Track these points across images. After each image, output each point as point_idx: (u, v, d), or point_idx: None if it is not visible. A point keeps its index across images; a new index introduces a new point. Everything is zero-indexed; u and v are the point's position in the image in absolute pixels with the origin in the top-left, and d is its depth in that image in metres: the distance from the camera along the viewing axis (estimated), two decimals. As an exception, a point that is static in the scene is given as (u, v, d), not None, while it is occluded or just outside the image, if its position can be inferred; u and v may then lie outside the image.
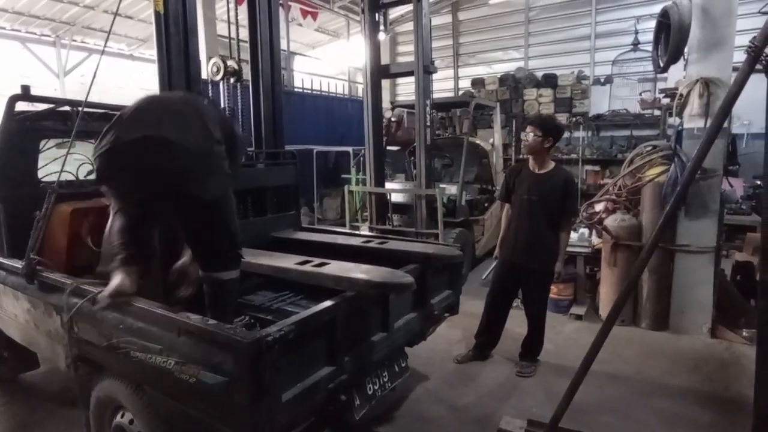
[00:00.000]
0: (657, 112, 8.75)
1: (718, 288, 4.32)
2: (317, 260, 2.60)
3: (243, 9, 3.85)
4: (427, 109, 5.08)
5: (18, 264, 2.60)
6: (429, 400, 3.31)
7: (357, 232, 5.35)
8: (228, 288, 2.15)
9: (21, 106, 2.97)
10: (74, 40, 11.26)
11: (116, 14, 3.48)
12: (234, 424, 1.75)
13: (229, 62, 3.86)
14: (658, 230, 2.30)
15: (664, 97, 6.11)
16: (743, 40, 2.48)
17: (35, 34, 10.93)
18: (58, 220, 2.84)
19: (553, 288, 4.39)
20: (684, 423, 3.03)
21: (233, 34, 3.99)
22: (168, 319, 1.94)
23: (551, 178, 3.51)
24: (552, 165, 3.57)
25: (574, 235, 4.91)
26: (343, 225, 6.56)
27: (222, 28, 7.37)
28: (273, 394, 1.75)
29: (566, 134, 9.55)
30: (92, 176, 3.17)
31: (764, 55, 1.89)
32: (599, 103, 10.37)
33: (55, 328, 2.42)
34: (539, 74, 10.99)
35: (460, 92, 12.23)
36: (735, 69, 2.54)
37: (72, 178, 3.09)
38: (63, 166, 2.65)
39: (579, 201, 5.66)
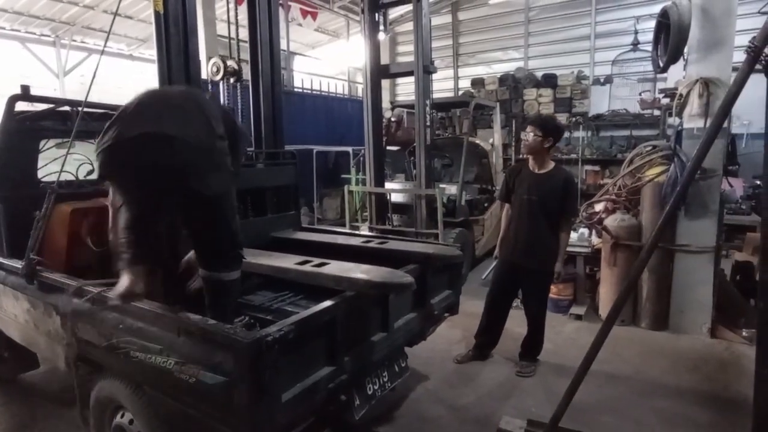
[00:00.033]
0: (657, 112, 8.76)
1: (718, 288, 4.33)
2: (317, 260, 2.60)
3: (243, 9, 3.85)
4: (427, 109, 5.09)
5: (18, 264, 2.61)
6: (429, 400, 3.31)
7: (357, 232, 5.35)
8: (229, 288, 2.15)
9: (21, 106, 2.96)
10: (74, 40, 11.26)
11: (116, 14, 3.48)
12: (234, 424, 1.76)
13: (229, 62, 3.87)
14: (658, 230, 2.30)
15: (663, 97, 6.11)
16: (743, 40, 2.49)
17: (35, 34, 10.92)
18: (58, 220, 2.84)
19: (553, 288, 4.39)
20: (684, 423, 3.03)
21: (233, 34, 3.99)
22: (168, 319, 1.94)
23: (551, 178, 3.51)
24: (552, 165, 3.57)
25: (573, 235, 4.91)
26: (343, 225, 6.56)
27: (222, 28, 7.38)
28: (273, 394, 1.76)
29: (566, 134, 9.55)
30: (92, 176, 3.19)
31: (764, 55, 1.90)
32: (599, 103, 10.38)
33: (55, 328, 2.43)
34: (539, 74, 11.00)
35: (460, 92, 12.23)
36: (735, 69, 2.53)
37: (72, 178, 3.08)
38: (63, 166, 2.65)
39: (579, 201, 5.66)
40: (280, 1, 8.08)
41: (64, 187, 2.81)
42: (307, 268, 2.53)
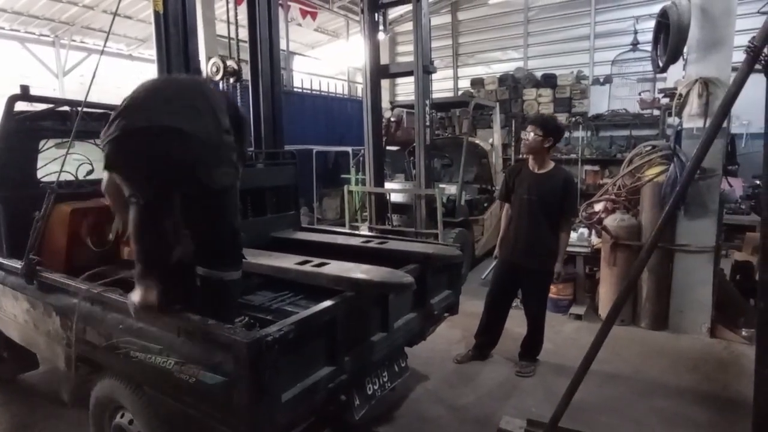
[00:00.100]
0: (656, 112, 8.75)
1: (718, 288, 4.33)
2: (317, 260, 2.60)
3: (242, 9, 3.85)
4: (427, 109, 5.09)
5: (17, 264, 2.60)
6: (429, 400, 3.31)
7: (356, 232, 5.35)
8: (229, 288, 2.15)
9: (20, 106, 2.96)
10: (73, 40, 11.26)
11: (115, 14, 3.48)
12: (234, 424, 1.75)
13: (229, 62, 3.87)
14: (658, 230, 2.30)
15: (663, 97, 6.10)
16: (742, 40, 2.49)
17: (34, 34, 10.92)
18: (58, 220, 2.84)
19: (553, 288, 4.39)
20: (683, 422, 3.03)
21: (233, 34, 4.00)
22: (168, 319, 1.94)
23: (551, 178, 3.51)
24: (552, 165, 3.57)
25: (573, 235, 4.91)
26: (343, 225, 6.56)
27: (221, 28, 7.37)
28: (273, 394, 1.75)
29: (565, 134, 9.55)
30: (92, 176, 3.19)
31: (763, 54, 1.90)
32: (598, 103, 10.38)
33: (55, 328, 2.42)
34: (538, 74, 11.00)
35: (460, 92, 12.23)
36: (734, 69, 2.53)
37: (71, 178, 3.08)
38: (62, 166, 2.64)
39: (578, 201, 5.66)
40: (280, 1, 8.09)
41: (63, 187, 2.81)
42: (307, 268, 2.53)
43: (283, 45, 9.10)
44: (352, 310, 2.21)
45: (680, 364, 3.79)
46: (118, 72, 11.50)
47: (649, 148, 5.06)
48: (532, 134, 3.46)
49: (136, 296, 1.97)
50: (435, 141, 5.97)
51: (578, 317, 4.76)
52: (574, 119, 10.23)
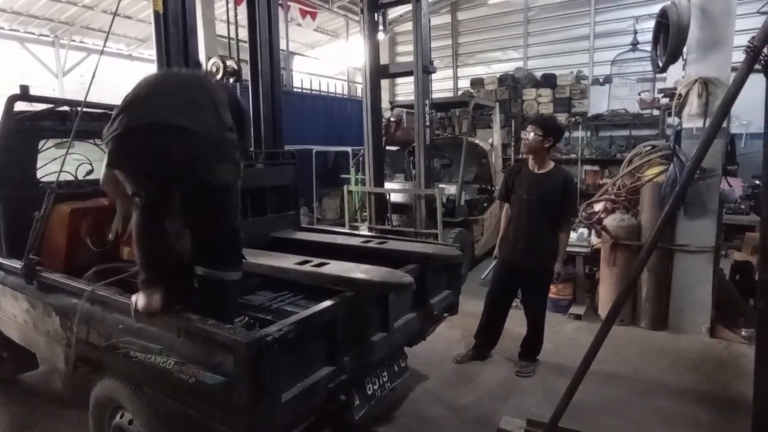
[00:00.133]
0: (656, 112, 8.75)
1: (717, 288, 4.33)
2: (317, 260, 2.60)
3: (242, 9, 3.85)
4: (427, 109, 5.09)
5: (17, 264, 2.60)
6: (428, 400, 3.31)
7: (356, 232, 5.35)
8: (229, 289, 2.15)
9: (20, 106, 2.96)
10: (73, 40, 11.25)
11: (115, 14, 3.48)
12: (234, 424, 1.75)
13: (229, 62, 3.86)
14: (657, 230, 2.30)
15: (663, 97, 6.11)
16: (742, 40, 2.50)
17: (34, 34, 10.91)
18: (57, 220, 2.84)
19: (553, 288, 4.39)
20: (683, 422, 3.03)
21: (232, 34, 3.99)
22: (168, 319, 1.94)
23: (551, 178, 3.51)
24: (551, 165, 3.57)
25: (573, 235, 4.91)
26: (343, 225, 6.56)
27: (221, 28, 7.37)
28: (273, 394, 1.75)
29: (565, 134, 9.55)
30: (92, 176, 3.19)
31: (763, 54, 1.90)
32: (598, 103, 10.39)
33: (54, 328, 2.42)
34: (538, 74, 11.00)
35: (459, 92, 12.24)
36: (734, 69, 2.53)
37: (71, 178, 3.08)
38: (62, 166, 2.65)
39: (578, 201, 5.67)
40: (280, 1, 8.08)
41: (63, 187, 2.81)
42: (307, 268, 2.53)
43: (282, 45, 9.12)
44: (351, 310, 2.21)
45: (680, 364, 3.79)
46: (118, 72, 11.47)
47: (649, 148, 5.07)
48: (532, 134, 3.46)
49: (140, 301, 1.97)
50: (435, 141, 5.98)
51: (578, 317, 4.76)
52: (573, 119, 10.24)
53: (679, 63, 4.48)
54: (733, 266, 4.98)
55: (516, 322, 3.87)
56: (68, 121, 3.05)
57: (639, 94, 9.16)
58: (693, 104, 4.15)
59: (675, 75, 5.36)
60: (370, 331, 2.45)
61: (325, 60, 13.87)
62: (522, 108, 10.73)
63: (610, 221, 4.63)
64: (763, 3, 6.67)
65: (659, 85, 8.33)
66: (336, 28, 13.83)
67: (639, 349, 4.06)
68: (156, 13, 2.91)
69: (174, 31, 2.92)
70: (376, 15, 5.26)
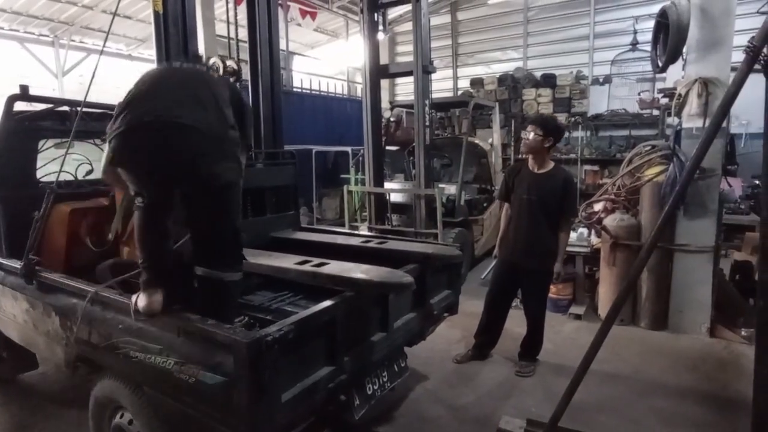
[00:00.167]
0: (656, 112, 8.76)
1: (717, 287, 4.33)
2: (316, 260, 2.60)
3: (242, 9, 3.85)
4: (426, 108, 5.09)
5: (17, 264, 2.60)
6: (428, 399, 3.31)
7: (356, 232, 5.35)
8: (229, 289, 2.15)
9: (19, 106, 2.96)
10: (73, 40, 11.24)
11: (115, 14, 3.48)
12: (233, 424, 1.75)
13: (229, 62, 3.81)
14: (657, 230, 2.30)
15: (662, 96, 6.11)
16: (742, 39, 2.49)
17: (33, 34, 10.90)
18: (57, 220, 2.85)
19: (552, 288, 4.39)
20: (683, 422, 3.03)
21: (232, 34, 3.98)
22: (168, 319, 1.94)
23: (550, 178, 3.51)
24: (551, 165, 3.57)
25: (573, 235, 4.91)
26: (342, 225, 6.56)
27: (221, 28, 7.36)
28: (272, 394, 1.75)
29: (565, 134, 9.55)
30: (91, 176, 3.19)
31: (763, 54, 1.90)
32: (598, 103, 10.39)
33: (54, 328, 2.42)
34: (538, 74, 11.00)
35: (459, 92, 12.23)
36: (733, 69, 2.53)
37: (71, 178, 3.08)
38: (62, 166, 2.65)
39: (578, 201, 5.67)
40: (279, 1, 8.08)
41: (63, 187, 2.81)
42: (307, 268, 2.53)
43: (282, 45, 9.12)
44: (351, 310, 2.21)
45: (680, 364, 3.79)
46: (118, 72, 11.47)
47: (649, 148, 5.07)
48: (532, 134, 3.46)
49: (141, 302, 1.97)
50: (434, 141, 5.97)
51: (578, 317, 4.76)
52: (573, 119, 10.23)
53: (679, 63, 4.48)
54: (732, 266, 4.98)
55: (516, 322, 3.87)
56: (68, 121, 3.06)
57: (639, 94, 9.16)
58: (693, 104, 4.15)
59: (675, 75, 5.36)
60: (370, 331, 2.45)
61: (325, 60, 13.87)
62: (522, 108, 10.73)
63: (609, 221, 4.63)
64: (763, 3, 6.67)
65: (659, 85, 8.34)
66: (336, 28, 13.83)
67: (639, 349, 4.06)
68: (156, 13, 2.91)
69: (174, 31, 2.92)
70: (375, 15, 5.26)
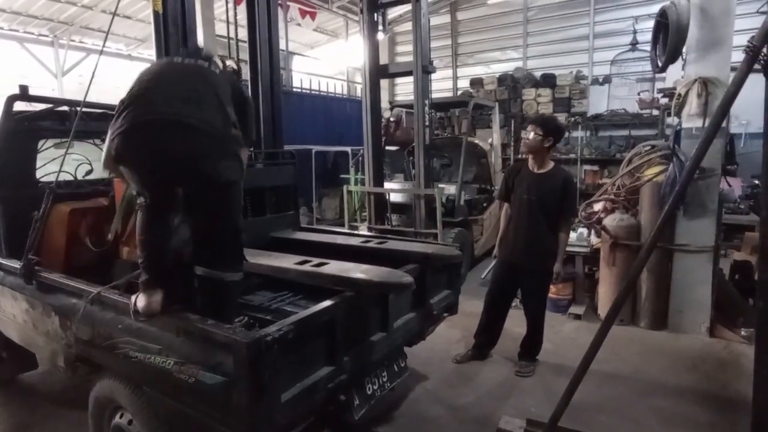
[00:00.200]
0: (655, 112, 8.76)
1: (717, 287, 4.33)
2: (316, 260, 2.60)
3: (242, 9, 3.85)
4: (426, 108, 5.09)
5: (16, 264, 2.60)
6: (428, 399, 3.31)
7: (356, 232, 5.35)
8: (230, 289, 2.14)
9: (19, 106, 2.96)
10: (72, 40, 11.24)
11: (114, 14, 3.48)
12: (233, 424, 1.75)
13: (228, 62, 3.83)
14: (657, 230, 2.30)
15: (662, 96, 6.11)
16: (741, 39, 2.49)
17: (33, 34, 10.90)
18: (57, 220, 2.84)
19: (552, 287, 4.39)
20: (683, 422, 3.03)
21: (232, 34, 3.98)
22: (167, 319, 1.94)
23: (550, 178, 3.51)
24: (551, 165, 3.57)
25: (572, 235, 4.91)
26: (342, 225, 6.56)
27: (221, 28, 7.36)
28: (272, 394, 1.75)
29: (565, 134, 9.54)
30: (91, 176, 3.18)
31: (762, 54, 1.90)
32: (598, 102, 10.39)
33: (54, 328, 2.42)
34: (538, 74, 11.00)
35: (459, 92, 12.24)
36: (733, 69, 2.54)
37: (70, 178, 3.08)
38: (61, 166, 2.64)
39: (578, 201, 5.67)
40: (279, 1, 8.07)
41: (62, 187, 2.81)
42: (307, 267, 2.53)
43: (282, 45, 9.12)
44: (351, 310, 2.21)
45: (679, 364, 3.79)
46: (118, 72, 11.47)
47: (649, 147, 5.07)
48: (532, 134, 3.46)
49: (140, 302, 1.97)
50: (434, 141, 5.97)
51: (577, 317, 4.76)
52: (573, 119, 10.24)
53: (679, 63, 4.48)
54: (732, 266, 4.98)
55: (516, 322, 3.86)
56: (67, 121, 3.05)
57: (638, 94, 9.17)
58: (692, 104, 4.15)
59: (674, 75, 5.37)
60: (369, 331, 2.45)
61: (325, 60, 13.87)
62: (521, 108, 10.73)
63: (609, 221, 4.63)
64: (763, 3, 6.67)
65: (659, 84, 8.33)
66: (335, 28, 13.83)
67: (638, 349, 4.06)
68: (155, 13, 2.91)
69: (173, 31, 2.92)
70: (375, 15, 5.26)
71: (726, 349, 4.04)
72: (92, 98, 2.79)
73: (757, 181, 7.38)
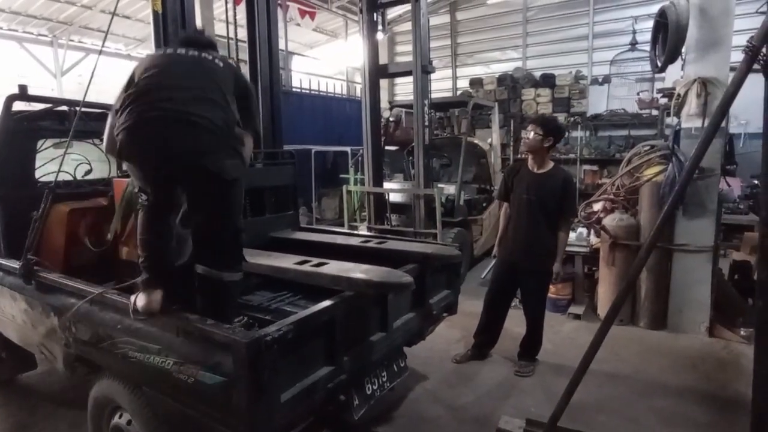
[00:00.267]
0: (655, 112, 8.76)
1: (716, 287, 4.34)
2: (316, 260, 2.59)
3: (241, 9, 3.85)
4: (426, 108, 5.09)
5: (15, 264, 2.60)
6: (428, 399, 3.31)
7: (355, 232, 5.35)
8: (229, 289, 2.14)
9: (18, 105, 2.96)
10: (71, 40, 11.24)
11: (114, 14, 3.48)
12: (232, 424, 1.75)
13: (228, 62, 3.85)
14: (656, 230, 2.30)
15: (661, 96, 6.11)
16: (741, 39, 2.49)
17: (32, 33, 10.90)
18: (56, 220, 2.84)
19: (552, 287, 4.38)
20: (682, 422, 3.03)
21: (231, 34, 3.98)
22: (166, 319, 1.94)
23: (550, 178, 3.51)
24: (551, 165, 3.57)
25: (572, 235, 4.91)
26: (342, 225, 6.56)
27: (220, 28, 7.36)
28: (272, 394, 1.75)
29: (565, 134, 9.54)
30: (89, 176, 3.18)
31: (762, 54, 1.90)
32: (597, 102, 10.39)
33: (53, 328, 2.42)
34: (537, 74, 11.00)
35: (458, 92, 12.24)
36: (732, 69, 2.54)
37: (69, 178, 3.07)
38: (60, 166, 2.64)
39: (577, 201, 5.67)
40: (279, 1, 8.07)
41: (61, 187, 2.81)
42: (306, 267, 2.53)
43: (281, 45, 9.09)
44: (351, 310, 2.21)
45: (679, 364, 3.79)
46: (117, 72, 11.45)
47: (648, 147, 5.07)
48: (532, 133, 3.46)
49: (140, 301, 1.97)
50: (434, 141, 5.97)
51: (577, 317, 4.76)
52: (572, 119, 10.24)
53: (678, 63, 4.48)
54: (731, 266, 4.98)
55: (515, 322, 3.87)
56: (67, 120, 3.05)
57: (638, 93, 9.16)
58: (692, 104, 4.15)
59: (674, 75, 5.37)
60: (369, 331, 2.45)
61: (324, 60, 13.87)
62: (521, 108, 10.73)
63: (609, 221, 4.63)
64: (762, 3, 6.67)
65: (658, 84, 8.33)
66: (335, 27, 13.83)
67: (638, 349, 4.06)
68: (155, 13, 2.90)
69: (173, 31, 2.91)
70: (375, 15, 5.25)
71: (725, 348, 4.05)
72: (91, 98, 2.79)
73: (756, 181, 7.38)
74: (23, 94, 2.92)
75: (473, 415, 3.11)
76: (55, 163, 2.72)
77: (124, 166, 2.29)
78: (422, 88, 5.02)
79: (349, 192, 6.27)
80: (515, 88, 10.91)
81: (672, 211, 3.74)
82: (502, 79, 11.17)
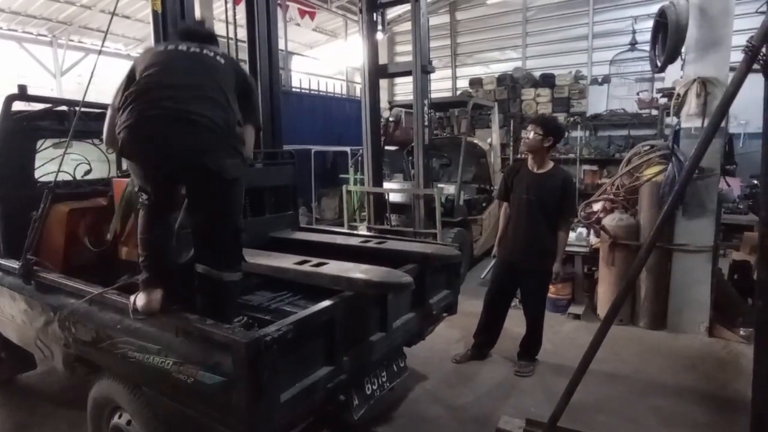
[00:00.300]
0: (654, 112, 8.76)
1: (716, 287, 4.34)
2: (315, 260, 2.59)
3: (241, 8, 3.84)
4: (425, 108, 5.09)
5: (15, 264, 2.60)
6: (427, 399, 3.31)
7: (355, 232, 5.35)
8: (229, 289, 2.14)
9: (18, 105, 2.95)
10: (71, 40, 11.23)
11: (113, 14, 3.47)
12: (232, 424, 1.75)
13: (227, 62, 3.85)
14: (656, 230, 2.30)
15: (661, 96, 6.12)
16: (740, 39, 2.49)
17: (32, 33, 10.90)
18: (55, 220, 2.84)
19: (552, 287, 4.39)
20: (682, 422, 3.03)
21: (231, 34, 3.98)
22: (166, 319, 1.94)
23: (550, 177, 3.51)
24: (551, 165, 3.57)
25: (572, 235, 4.91)
26: (341, 225, 6.56)
27: (220, 28, 7.38)
28: (271, 395, 1.75)
29: (565, 134, 9.54)
30: (88, 176, 3.18)
31: (761, 54, 1.90)
32: (597, 102, 10.39)
33: (52, 328, 2.42)
34: (537, 74, 11.00)
35: (458, 92, 12.24)
36: (732, 69, 2.54)
37: (69, 178, 3.07)
38: (60, 166, 2.64)
39: (577, 201, 5.67)
40: (278, 1, 8.08)
41: (61, 187, 2.80)
42: (306, 267, 2.52)
43: (281, 45, 9.10)
44: (350, 310, 2.21)
45: (679, 364, 3.79)
46: (116, 72, 11.42)
47: (648, 147, 5.07)
48: (532, 133, 3.46)
49: (140, 301, 1.97)
50: (433, 141, 5.97)
51: (577, 317, 4.76)
52: (572, 119, 10.23)
53: (678, 63, 4.48)
54: (731, 266, 4.99)
55: (515, 322, 3.87)
56: (66, 120, 3.05)
57: (637, 93, 9.17)
58: (691, 104, 4.15)
59: (673, 75, 5.37)
60: (369, 331, 2.45)
61: (324, 60, 13.87)
62: (521, 108, 10.73)
63: (608, 221, 4.63)
64: (762, 3, 6.67)
65: (658, 84, 8.33)
66: (335, 27, 13.83)
67: (638, 349, 4.06)
68: (155, 13, 2.90)
69: (173, 31, 2.91)
70: (374, 15, 5.25)
71: (725, 348, 4.05)
72: (91, 98, 2.79)
73: (756, 181, 7.38)
74: (23, 94, 2.92)
75: (473, 415, 3.11)
76: (55, 163, 2.72)
77: (125, 166, 2.28)
78: (422, 88, 5.02)
79: (348, 192, 6.27)
80: (515, 88, 10.91)
81: (672, 211, 3.73)
82: (501, 79, 11.17)
